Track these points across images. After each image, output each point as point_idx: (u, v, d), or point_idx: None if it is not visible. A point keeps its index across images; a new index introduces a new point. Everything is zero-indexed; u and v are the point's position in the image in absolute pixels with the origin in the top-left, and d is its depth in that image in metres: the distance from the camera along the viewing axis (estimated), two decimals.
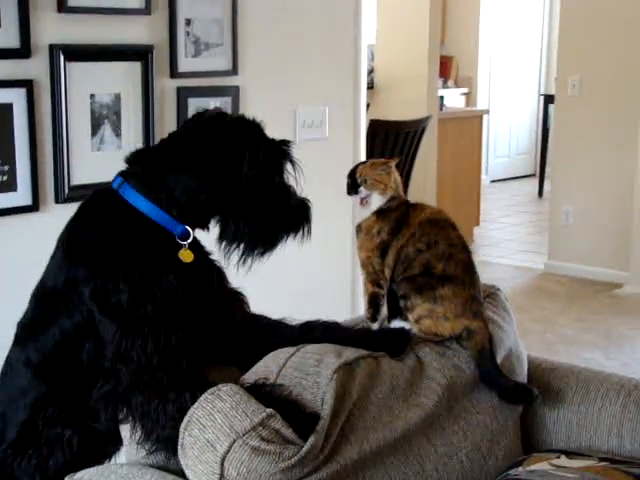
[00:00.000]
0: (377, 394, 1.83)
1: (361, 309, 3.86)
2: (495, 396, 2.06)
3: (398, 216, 2.06)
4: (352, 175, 2.11)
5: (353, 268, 3.84)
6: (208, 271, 1.88)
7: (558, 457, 1.97)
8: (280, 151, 1.86)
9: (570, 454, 2.00)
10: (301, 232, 1.91)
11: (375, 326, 2.08)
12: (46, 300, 1.85)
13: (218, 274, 1.91)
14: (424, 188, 6.57)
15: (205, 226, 1.88)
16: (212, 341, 1.88)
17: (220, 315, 1.91)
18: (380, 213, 2.07)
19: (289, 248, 3.43)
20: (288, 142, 1.88)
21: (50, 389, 1.85)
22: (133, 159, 1.88)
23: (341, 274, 3.82)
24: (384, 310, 2.09)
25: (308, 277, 3.67)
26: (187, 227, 1.82)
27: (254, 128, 1.86)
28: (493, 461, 2.03)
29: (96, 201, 1.87)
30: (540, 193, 9.98)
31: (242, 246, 1.84)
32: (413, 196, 5.85)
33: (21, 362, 1.87)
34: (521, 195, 10.07)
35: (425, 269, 2.00)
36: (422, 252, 2.01)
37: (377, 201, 2.07)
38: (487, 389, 2.05)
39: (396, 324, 2.03)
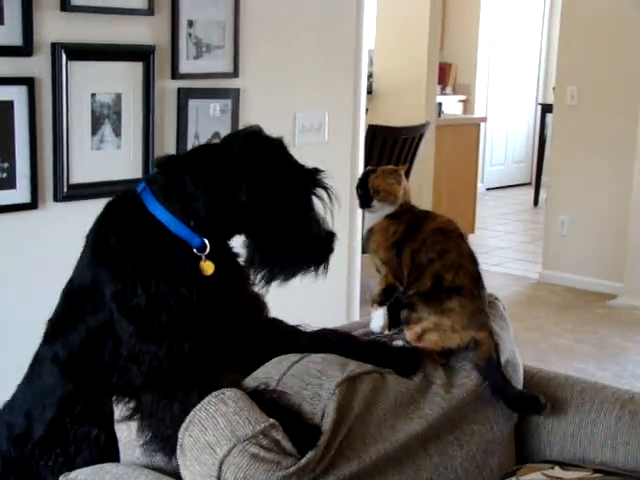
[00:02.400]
0: (379, 410, 1.82)
1: (356, 315, 3.86)
2: (491, 406, 2.07)
3: (410, 219, 2.06)
4: (364, 186, 2.07)
5: (349, 274, 3.84)
6: (231, 278, 1.85)
7: (552, 468, 1.97)
8: (311, 179, 1.81)
9: (564, 465, 2.00)
10: (322, 266, 1.88)
11: (380, 311, 2.07)
12: (74, 297, 1.86)
13: (243, 278, 1.89)
14: (420, 194, 6.57)
15: (227, 240, 1.85)
16: (229, 343, 1.87)
17: (240, 318, 1.90)
18: (393, 217, 2.06)
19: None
20: (320, 170, 1.83)
21: (76, 387, 1.85)
22: (159, 164, 1.84)
23: (338, 279, 3.81)
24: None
25: (304, 282, 3.66)
26: (204, 239, 1.77)
27: (279, 151, 1.83)
28: (488, 471, 2.03)
29: (119, 203, 1.85)
30: (536, 202, 10.00)
31: (262, 271, 1.82)
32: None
33: (49, 359, 1.87)
34: (516, 203, 10.08)
35: (435, 281, 2.00)
36: (433, 261, 2.01)
37: (388, 210, 2.07)
38: (484, 399, 2.06)
39: (399, 344, 2.03)
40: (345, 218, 3.79)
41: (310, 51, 3.56)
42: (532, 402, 2.06)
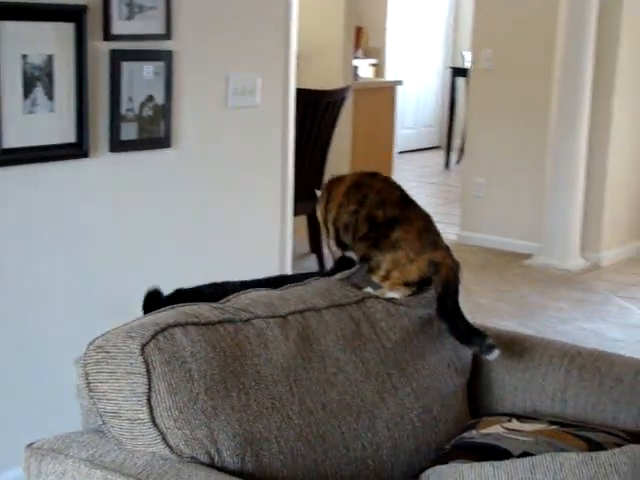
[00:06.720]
0: (320, 346, 1.89)
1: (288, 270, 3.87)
2: (444, 361, 2.12)
3: (325, 196, 2.20)
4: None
5: (281, 236, 3.84)
6: None
7: (509, 420, 2.02)
8: None
9: (520, 417, 2.06)
10: None
11: None
12: None
13: None
14: (339, 158, 6.60)
15: None
16: None
17: None
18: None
19: (218, 215, 3.43)
20: None
21: None
22: None
23: (270, 241, 3.80)
24: None
25: (237, 243, 3.65)
26: None
27: None
28: (443, 424, 2.08)
29: None
30: (447, 165, 10.14)
31: None
32: (329, 167, 5.85)
33: None
34: (428, 167, 10.21)
35: (370, 223, 2.07)
36: (358, 212, 2.09)
37: None
38: (439, 353, 2.10)
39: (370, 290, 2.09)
40: (277, 179, 3.78)
41: (242, 13, 3.51)
42: (479, 339, 2.08)
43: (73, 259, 3.08)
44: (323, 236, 2.24)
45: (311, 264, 5.72)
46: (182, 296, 2.07)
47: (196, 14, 3.34)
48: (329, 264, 5.60)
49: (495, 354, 2.06)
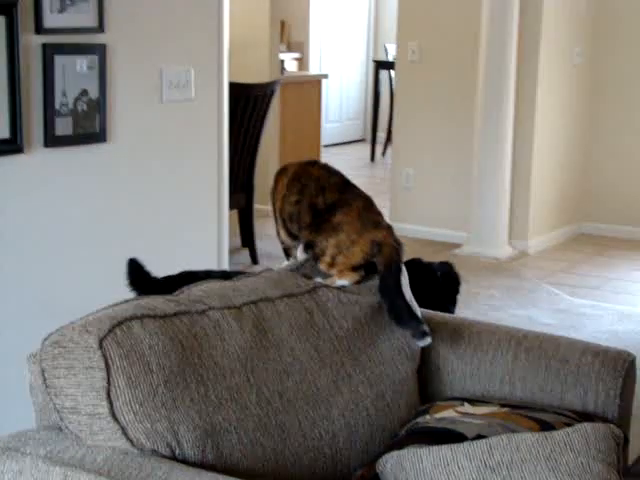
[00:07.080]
0: (275, 336, 1.90)
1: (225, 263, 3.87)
2: (396, 349, 2.14)
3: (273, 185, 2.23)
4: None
5: (218, 231, 3.82)
6: None
7: (462, 404, 2.05)
8: None
9: (471, 401, 2.09)
10: None
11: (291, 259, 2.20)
12: None
13: None
14: (268, 153, 6.60)
15: None
16: None
17: None
18: None
19: (155, 210, 3.40)
20: None
21: None
22: None
23: (206, 236, 3.78)
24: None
25: (174, 238, 3.62)
26: None
27: None
28: (396, 410, 2.10)
29: None
30: (372, 157, 10.20)
31: None
32: (259, 160, 5.84)
33: None
34: (353, 159, 10.26)
35: (313, 211, 2.09)
36: (300, 202, 2.11)
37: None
38: (390, 340, 2.12)
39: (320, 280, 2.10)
40: (213, 173, 3.76)
41: (174, 3, 3.47)
42: (414, 323, 2.09)
43: (7, 257, 3.02)
44: (275, 227, 2.25)
45: (244, 259, 5.71)
46: (189, 277, 2.13)
47: (128, 6, 3.30)
48: (263, 260, 5.61)
49: (427, 341, 2.10)
